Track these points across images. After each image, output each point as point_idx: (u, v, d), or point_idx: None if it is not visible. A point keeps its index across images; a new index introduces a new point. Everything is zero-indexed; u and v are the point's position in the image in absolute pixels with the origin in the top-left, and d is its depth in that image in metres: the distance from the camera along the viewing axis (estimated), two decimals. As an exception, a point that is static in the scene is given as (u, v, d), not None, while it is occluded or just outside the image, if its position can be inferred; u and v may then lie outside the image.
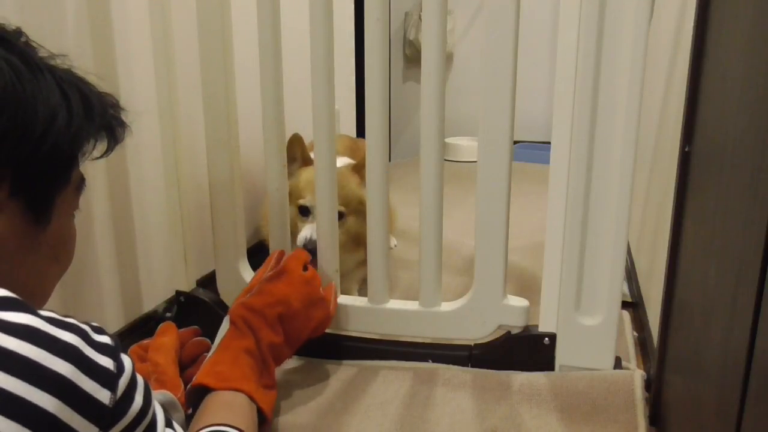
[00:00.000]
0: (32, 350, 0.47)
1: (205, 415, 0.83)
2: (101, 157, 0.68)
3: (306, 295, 1.04)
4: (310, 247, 1.22)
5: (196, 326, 1.11)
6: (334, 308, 1.12)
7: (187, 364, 1.03)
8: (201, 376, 0.89)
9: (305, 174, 1.35)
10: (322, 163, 1.15)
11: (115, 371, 0.52)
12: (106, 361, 0.52)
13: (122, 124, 0.69)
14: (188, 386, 0.91)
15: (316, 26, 1.08)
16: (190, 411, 0.90)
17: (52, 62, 0.62)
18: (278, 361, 1.00)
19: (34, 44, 0.62)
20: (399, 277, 1.55)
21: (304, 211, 1.31)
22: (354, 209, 1.35)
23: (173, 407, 0.86)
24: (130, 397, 0.53)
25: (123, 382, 0.53)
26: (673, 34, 1.31)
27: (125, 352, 0.55)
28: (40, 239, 0.62)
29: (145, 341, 1.04)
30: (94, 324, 0.54)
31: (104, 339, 0.53)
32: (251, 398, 0.88)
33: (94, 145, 0.65)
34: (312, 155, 1.23)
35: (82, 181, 0.67)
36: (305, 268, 1.09)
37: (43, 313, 0.50)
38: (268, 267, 1.12)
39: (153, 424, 0.57)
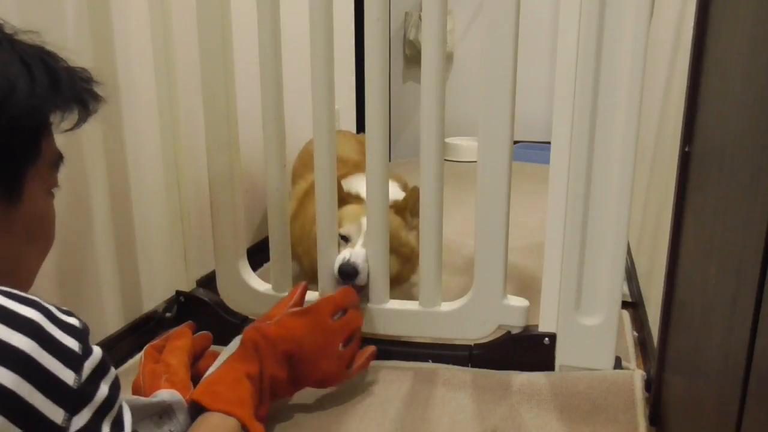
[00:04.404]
0: None
1: None
2: (72, 129, 0.66)
3: (321, 344, 1.00)
4: (347, 270, 1.17)
5: (207, 332, 1.09)
6: (356, 370, 1.06)
7: (202, 373, 1.02)
8: (199, 392, 0.87)
9: (350, 208, 1.30)
10: (321, 163, 1.15)
11: (81, 353, 0.50)
12: (70, 342, 0.50)
13: (95, 96, 0.66)
14: (187, 398, 0.90)
15: (316, 26, 1.08)
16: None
17: (18, 37, 0.60)
18: (274, 397, 0.97)
19: None
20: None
21: (344, 239, 1.29)
22: (393, 250, 1.24)
23: (180, 408, 0.85)
24: (95, 382, 0.51)
25: (89, 366, 0.51)
26: (673, 34, 1.31)
27: (96, 345, 0.53)
28: (13, 217, 0.60)
29: (159, 341, 1.02)
30: (64, 308, 0.52)
31: (71, 320, 0.51)
32: (244, 425, 0.85)
33: (63, 117, 0.63)
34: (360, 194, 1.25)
35: (59, 158, 0.65)
36: (344, 312, 1.06)
37: (1, 288, 0.49)
38: (291, 299, 1.09)
39: (120, 420, 0.55)
